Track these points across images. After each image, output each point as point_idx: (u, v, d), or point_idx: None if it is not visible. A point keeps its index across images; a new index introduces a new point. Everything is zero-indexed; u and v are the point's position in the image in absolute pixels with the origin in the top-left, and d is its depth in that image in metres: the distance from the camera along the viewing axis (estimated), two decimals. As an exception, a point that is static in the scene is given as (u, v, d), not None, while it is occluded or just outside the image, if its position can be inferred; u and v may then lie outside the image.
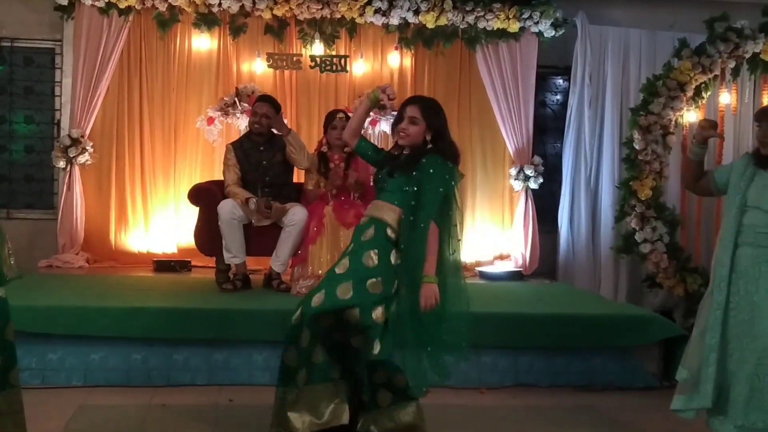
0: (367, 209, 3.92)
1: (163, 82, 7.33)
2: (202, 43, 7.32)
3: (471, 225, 7.66)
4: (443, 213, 3.71)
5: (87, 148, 7.05)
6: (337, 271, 3.76)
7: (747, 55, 6.89)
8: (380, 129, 7.41)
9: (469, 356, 3.98)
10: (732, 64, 6.91)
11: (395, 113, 7.31)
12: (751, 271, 3.59)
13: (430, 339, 3.72)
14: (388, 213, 3.76)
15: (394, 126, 3.93)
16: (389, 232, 3.73)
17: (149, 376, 4.87)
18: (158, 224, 7.35)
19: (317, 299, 3.68)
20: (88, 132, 7.10)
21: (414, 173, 3.72)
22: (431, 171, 3.69)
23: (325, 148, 6.04)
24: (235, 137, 6.89)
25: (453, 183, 3.73)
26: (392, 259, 3.71)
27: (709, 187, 3.96)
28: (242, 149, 6.08)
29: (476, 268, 7.44)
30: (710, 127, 3.84)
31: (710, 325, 3.65)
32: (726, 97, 7.12)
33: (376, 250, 3.71)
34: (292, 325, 3.74)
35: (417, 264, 3.67)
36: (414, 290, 3.66)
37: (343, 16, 7.29)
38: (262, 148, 6.07)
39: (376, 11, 7.24)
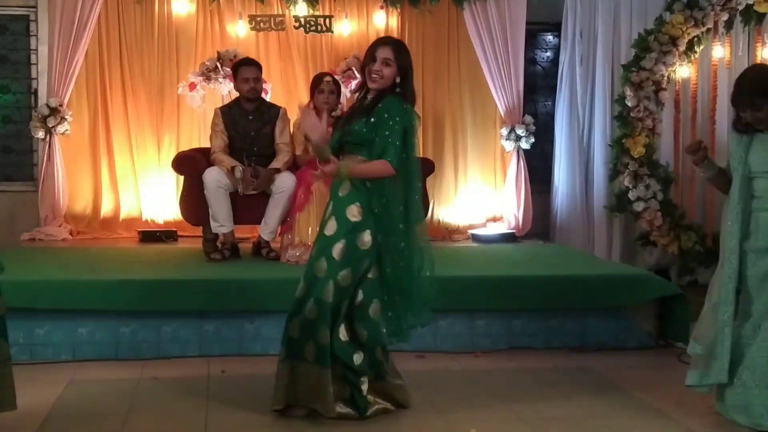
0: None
1: (143, 48, 7.28)
2: (182, 5, 7.26)
3: (462, 187, 7.69)
4: (404, 158, 3.72)
5: (66, 117, 7.00)
6: (327, 233, 3.78)
7: (740, 7, 6.88)
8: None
9: (431, 321, 4.06)
10: (725, 17, 6.91)
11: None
12: (761, 239, 3.54)
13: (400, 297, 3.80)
14: (356, 162, 3.78)
15: (363, 68, 3.88)
16: (366, 182, 3.75)
17: (138, 349, 4.88)
18: (142, 194, 7.34)
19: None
20: (66, 101, 7.05)
21: (372, 119, 3.73)
22: (386, 115, 3.71)
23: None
24: (218, 103, 6.87)
25: (410, 122, 3.74)
26: (374, 209, 3.75)
27: None
28: (231, 115, 6.08)
29: (469, 231, 7.47)
30: (696, 149, 3.73)
31: (722, 299, 3.58)
32: (719, 51, 7.12)
33: (358, 203, 3.75)
34: (296, 297, 3.80)
35: (390, 223, 3.73)
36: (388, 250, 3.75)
37: (325, -26, 7.27)
38: (251, 117, 6.07)
39: (360, -32, 7.21)
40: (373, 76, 3.78)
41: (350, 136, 3.83)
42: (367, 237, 3.73)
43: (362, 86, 3.94)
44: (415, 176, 3.83)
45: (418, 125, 3.88)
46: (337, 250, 3.71)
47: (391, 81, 3.80)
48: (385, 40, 3.96)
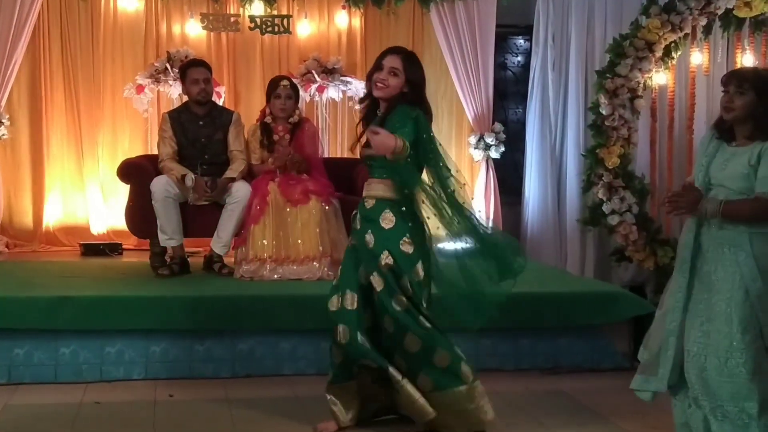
0: (365, 190, 4.00)
1: (87, 48, 7.25)
2: (129, 2, 7.25)
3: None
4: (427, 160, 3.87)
5: (3, 121, 6.95)
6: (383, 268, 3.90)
7: (719, 12, 6.95)
8: (328, 96, 7.40)
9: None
10: (703, 22, 6.98)
11: (345, 78, 7.35)
12: (712, 252, 3.57)
13: None
14: (386, 189, 3.90)
15: (369, 76, 3.97)
16: (402, 206, 3.91)
17: (80, 371, 4.84)
18: (85, 204, 7.30)
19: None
20: (3, 104, 6.98)
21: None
22: (395, 118, 3.82)
23: (268, 119, 6.03)
24: (167, 107, 6.84)
25: (423, 122, 3.84)
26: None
27: None
28: (179, 121, 6.04)
29: (434, 245, 7.47)
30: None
31: (671, 308, 3.67)
32: (697, 57, 7.21)
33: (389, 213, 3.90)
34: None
35: None
36: None
37: (284, -29, 7.28)
38: (201, 123, 6.04)
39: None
40: (378, 84, 3.89)
41: (372, 160, 3.92)
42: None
43: (368, 95, 4.02)
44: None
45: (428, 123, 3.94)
46: None
47: (397, 92, 3.89)
48: (396, 49, 4.05)
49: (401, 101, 3.88)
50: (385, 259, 3.87)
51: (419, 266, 3.95)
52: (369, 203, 3.95)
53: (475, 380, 3.95)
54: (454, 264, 4.02)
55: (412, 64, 3.94)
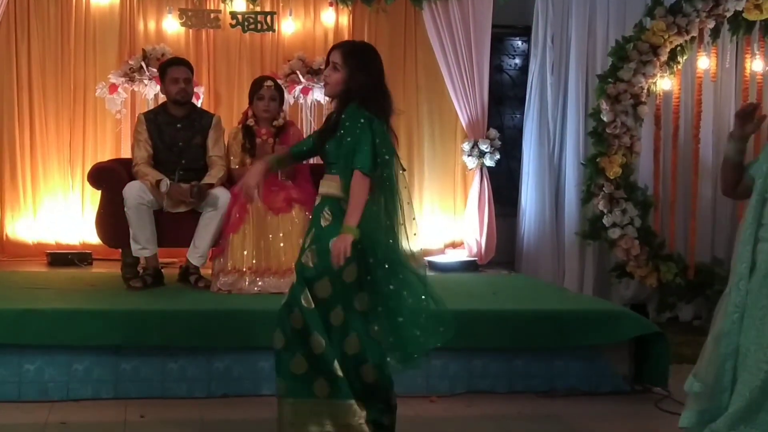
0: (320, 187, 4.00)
1: (56, 44, 7.24)
2: (102, -4, 7.26)
3: (418, 208, 7.71)
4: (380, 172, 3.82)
5: (-41, 122, 6.97)
6: (303, 260, 3.87)
7: (728, 14, 7.00)
8: (313, 98, 7.41)
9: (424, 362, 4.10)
10: (711, 24, 7.03)
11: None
12: (765, 271, 3.51)
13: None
14: (334, 186, 3.87)
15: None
16: (343, 204, 3.82)
17: (45, 390, 4.82)
18: (53, 210, 7.28)
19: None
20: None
21: (341, 132, 3.82)
22: (347, 123, 3.80)
23: (251, 122, 6.04)
24: (141, 108, 6.84)
25: (370, 128, 3.79)
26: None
27: (748, 187, 3.68)
28: (156, 123, 6.05)
29: (425, 258, 7.48)
30: (748, 117, 3.63)
31: (726, 330, 3.56)
32: (705, 62, 7.24)
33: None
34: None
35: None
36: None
37: (268, -35, 7.30)
38: (179, 125, 6.05)
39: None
40: (323, 82, 3.95)
41: (327, 156, 3.94)
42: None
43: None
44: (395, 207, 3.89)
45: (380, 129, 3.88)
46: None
47: (340, 87, 3.87)
48: (338, 44, 4.07)
49: (350, 100, 3.86)
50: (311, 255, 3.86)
51: (351, 268, 3.82)
52: (317, 200, 3.99)
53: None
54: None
55: (354, 57, 3.89)
